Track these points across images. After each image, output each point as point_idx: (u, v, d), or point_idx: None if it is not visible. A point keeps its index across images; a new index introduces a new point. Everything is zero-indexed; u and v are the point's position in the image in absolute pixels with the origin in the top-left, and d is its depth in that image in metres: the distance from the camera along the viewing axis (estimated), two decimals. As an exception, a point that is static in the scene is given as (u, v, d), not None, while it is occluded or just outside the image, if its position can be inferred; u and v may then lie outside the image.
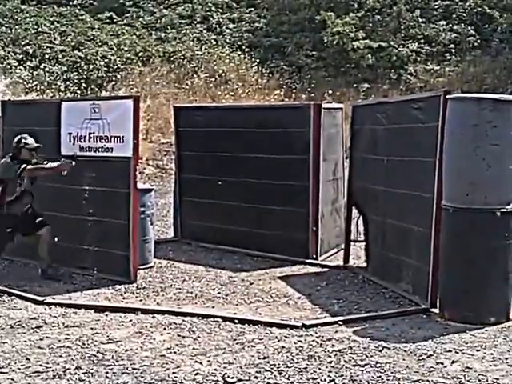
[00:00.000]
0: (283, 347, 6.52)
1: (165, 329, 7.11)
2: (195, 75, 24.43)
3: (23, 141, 9.03)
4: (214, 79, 24.65)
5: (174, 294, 8.57)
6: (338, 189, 10.97)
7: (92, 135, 9.34)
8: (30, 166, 8.91)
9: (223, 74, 25.08)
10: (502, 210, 7.20)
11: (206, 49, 25.97)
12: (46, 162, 9.13)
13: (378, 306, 7.96)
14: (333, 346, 6.57)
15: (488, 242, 7.19)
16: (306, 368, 6.00)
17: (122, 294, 8.52)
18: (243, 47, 26.80)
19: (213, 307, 7.98)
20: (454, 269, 7.35)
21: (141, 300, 8.30)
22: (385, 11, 28.12)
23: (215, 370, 5.96)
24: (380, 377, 5.81)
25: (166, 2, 28.69)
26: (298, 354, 6.34)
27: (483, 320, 7.19)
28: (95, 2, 28.89)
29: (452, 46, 27.32)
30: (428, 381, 5.73)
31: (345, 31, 26.27)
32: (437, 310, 7.58)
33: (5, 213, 8.91)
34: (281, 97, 24.45)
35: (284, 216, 10.40)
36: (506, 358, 6.24)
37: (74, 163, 8.85)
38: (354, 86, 25.62)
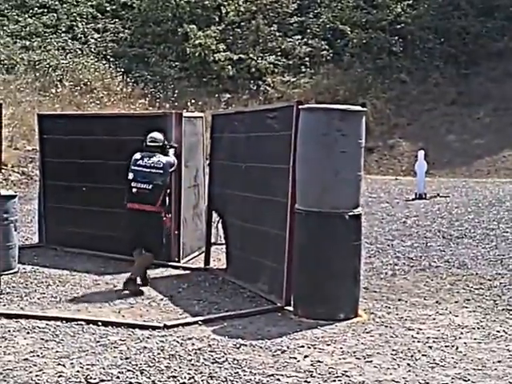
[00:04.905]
0: (145, 347, 6.63)
1: (28, 333, 7.08)
2: (60, 84, 24.18)
3: (166, 142, 9.42)
4: (79, 88, 24.45)
5: (38, 298, 8.52)
6: (199, 194, 11.16)
7: (-47, 142, 9.20)
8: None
9: (88, 83, 24.92)
10: (350, 214, 7.58)
11: (70, 58, 25.73)
12: None
13: (237, 306, 8.19)
14: (193, 344, 6.73)
15: (338, 243, 7.53)
16: (167, 367, 6.13)
17: (-16, 300, 8.40)
18: (108, 57, 26.76)
19: (77, 311, 8.00)
20: (307, 269, 7.65)
21: (4, 305, 8.20)
22: (244, 25, 28.81)
23: (78, 371, 6.01)
24: (237, 373, 6.01)
25: (31, 11, 28.19)
26: (159, 354, 6.46)
27: (333, 316, 7.50)
28: (-42, 10, 28.13)
29: (307, 59, 28.28)
30: (282, 375, 5.97)
31: (206, 43, 26.75)
32: (291, 308, 7.89)
33: None
34: (145, 105, 24.53)
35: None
36: (354, 352, 6.55)
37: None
38: (216, 95, 26.11)
